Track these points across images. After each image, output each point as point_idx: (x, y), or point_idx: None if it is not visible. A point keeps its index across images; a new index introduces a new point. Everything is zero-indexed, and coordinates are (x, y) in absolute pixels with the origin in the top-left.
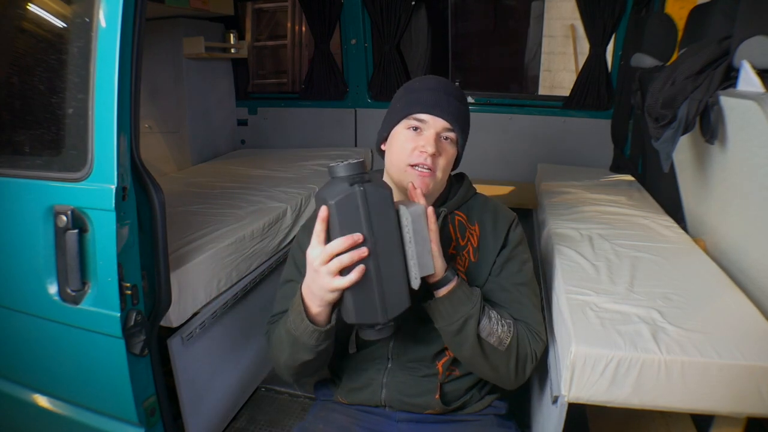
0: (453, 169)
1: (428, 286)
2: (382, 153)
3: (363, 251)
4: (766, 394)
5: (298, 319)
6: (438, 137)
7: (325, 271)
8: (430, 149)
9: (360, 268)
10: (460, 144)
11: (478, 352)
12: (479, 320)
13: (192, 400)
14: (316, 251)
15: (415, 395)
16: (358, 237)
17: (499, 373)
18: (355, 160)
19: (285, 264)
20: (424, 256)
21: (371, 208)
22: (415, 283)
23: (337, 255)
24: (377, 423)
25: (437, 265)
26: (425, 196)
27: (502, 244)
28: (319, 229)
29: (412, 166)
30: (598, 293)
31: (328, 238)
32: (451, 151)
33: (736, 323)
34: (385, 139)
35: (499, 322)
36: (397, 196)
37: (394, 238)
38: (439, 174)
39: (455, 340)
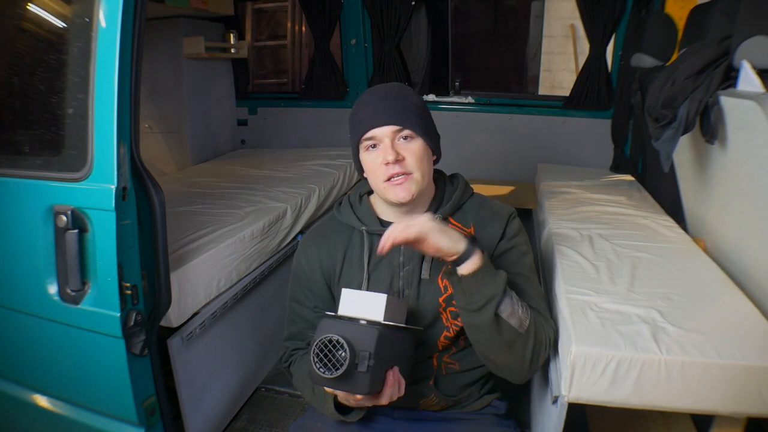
0: (436, 161)
1: (450, 263)
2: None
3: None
4: (766, 394)
5: (324, 408)
6: (394, 143)
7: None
8: (390, 157)
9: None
10: (426, 136)
11: (495, 334)
12: (500, 301)
13: (192, 400)
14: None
15: (409, 383)
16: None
17: (515, 358)
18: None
19: (290, 280)
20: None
21: (395, 346)
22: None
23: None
24: (376, 421)
25: (447, 246)
26: (411, 201)
27: (500, 236)
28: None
29: (388, 181)
30: (598, 293)
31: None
32: (415, 146)
33: (736, 323)
34: (362, 169)
35: (520, 303)
36: (391, 212)
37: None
38: (416, 174)
39: (474, 321)
